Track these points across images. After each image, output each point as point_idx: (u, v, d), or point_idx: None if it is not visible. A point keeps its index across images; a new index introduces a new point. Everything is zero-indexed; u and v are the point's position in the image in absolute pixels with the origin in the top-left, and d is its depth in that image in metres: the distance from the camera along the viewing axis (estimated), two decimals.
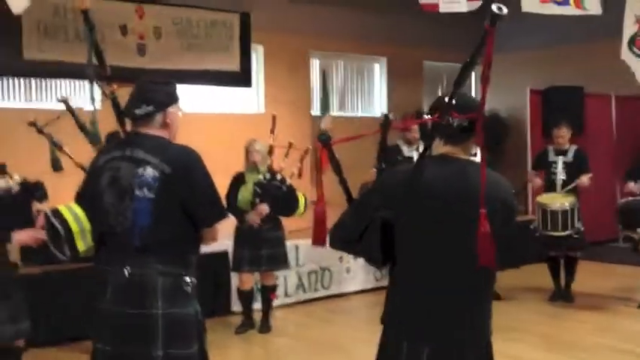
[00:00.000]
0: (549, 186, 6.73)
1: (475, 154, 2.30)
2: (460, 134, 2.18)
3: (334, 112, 9.34)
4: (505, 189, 2.25)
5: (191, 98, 7.79)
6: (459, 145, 2.21)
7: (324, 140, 2.26)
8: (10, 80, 6.80)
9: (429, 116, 2.23)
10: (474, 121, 2.09)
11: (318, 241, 2.34)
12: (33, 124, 3.77)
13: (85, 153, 3.36)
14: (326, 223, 2.32)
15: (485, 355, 2.23)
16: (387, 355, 2.22)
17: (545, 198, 6.60)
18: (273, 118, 5.87)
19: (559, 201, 6.46)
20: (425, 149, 2.21)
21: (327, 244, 2.34)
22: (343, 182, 2.32)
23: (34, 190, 3.97)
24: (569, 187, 6.54)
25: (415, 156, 6.28)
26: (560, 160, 6.69)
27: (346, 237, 2.23)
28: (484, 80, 1.86)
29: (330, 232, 2.28)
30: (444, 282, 2.13)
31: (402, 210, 2.12)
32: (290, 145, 5.89)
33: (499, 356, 2.33)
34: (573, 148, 6.76)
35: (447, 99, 2.10)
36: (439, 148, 2.22)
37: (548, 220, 6.43)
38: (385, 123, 2.31)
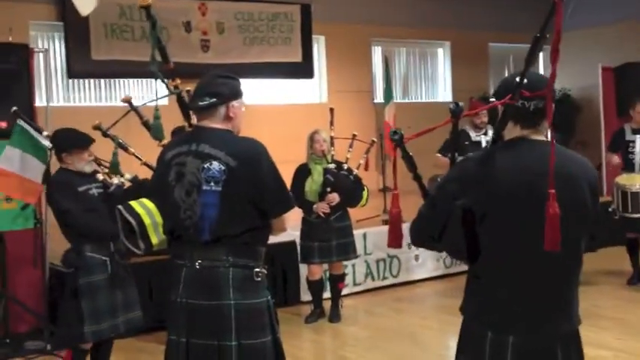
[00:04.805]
0: (627, 166, 6.47)
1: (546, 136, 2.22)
2: (534, 116, 2.10)
3: (398, 99, 9.25)
4: (591, 170, 2.19)
5: (254, 90, 7.87)
6: (534, 127, 2.13)
7: (397, 140, 2.23)
8: (81, 81, 7.01)
9: (495, 99, 2.17)
10: (544, 99, 2.03)
11: (394, 243, 2.32)
12: (98, 127, 3.86)
13: (152, 150, 3.42)
14: (401, 226, 2.30)
15: (573, 344, 2.13)
16: (470, 345, 2.15)
17: (624, 179, 6.36)
18: (331, 110, 5.90)
19: (638, 181, 6.23)
20: (497, 133, 2.15)
21: (404, 245, 2.33)
22: (418, 179, 2.28)
23: (144, 187, 4.09)
24: None
25: (483, 140, 6.17)
26: (638, 138, 6.42)
27: (427, 233, 2.17)
28: (554, 54, 1.78)
29: (410, 231, 2.23)
30: (529, 269, 2.05)
31: (482, 198, 2.05)
32: (354, 136, 5.89)
33: None
34: None
35: (517, 79, 2.03)
36: (513, 131, 2.15)
37: (628, 202, 6.21)
38: (456, 112, 2.23)
